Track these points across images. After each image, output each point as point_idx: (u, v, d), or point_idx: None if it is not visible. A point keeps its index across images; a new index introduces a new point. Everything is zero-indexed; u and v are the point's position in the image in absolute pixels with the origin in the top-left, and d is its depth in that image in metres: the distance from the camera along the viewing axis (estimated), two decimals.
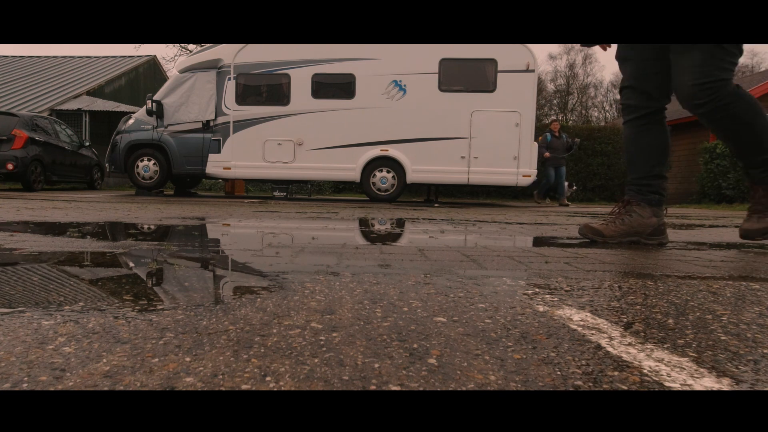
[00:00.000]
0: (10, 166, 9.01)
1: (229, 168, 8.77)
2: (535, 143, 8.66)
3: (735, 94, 2.14)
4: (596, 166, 13.37)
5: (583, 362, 0.75)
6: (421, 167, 8.56)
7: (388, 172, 8.71)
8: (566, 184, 10.79)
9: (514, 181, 8.48)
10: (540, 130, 10.80)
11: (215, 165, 8.79)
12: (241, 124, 8.77)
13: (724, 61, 2.10)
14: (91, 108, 16.01)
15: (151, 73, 22.29)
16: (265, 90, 8.95)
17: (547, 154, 10.12)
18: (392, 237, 2.54)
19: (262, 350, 0.75)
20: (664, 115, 2.43)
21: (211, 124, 8.82)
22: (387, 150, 8.62)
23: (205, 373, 0.66)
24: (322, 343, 0.80)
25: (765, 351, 0.82)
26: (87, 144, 12.27)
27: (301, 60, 8.68)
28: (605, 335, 0.89)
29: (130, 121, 9.08)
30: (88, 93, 17.57)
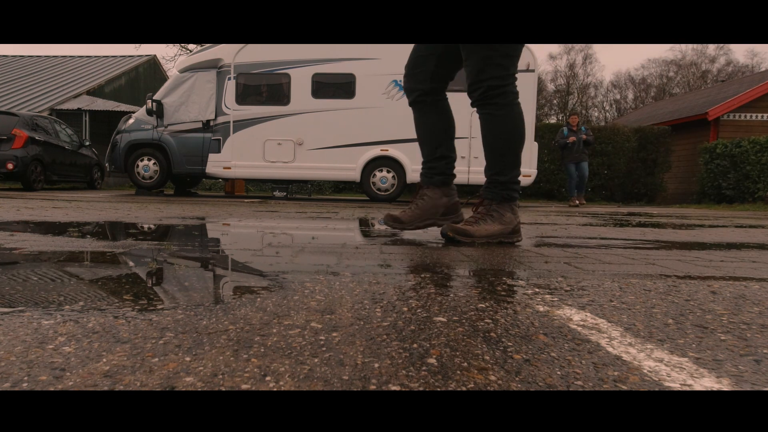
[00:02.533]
0: (10, 166, 9.01)
1: (229, 168, 8.77)
2: (536, 143, 8.65)
3: (510, 99, 2.22)
4: (596, 166, 13.37)
5: (583, 362, 0.75)
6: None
7: (388, 171, 8.71)
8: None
9: None
10: (540, 130, 10.74)
11: (215, 165, 8.79)
12: (241, 124, 8.77)
13: (498, 65, 2.17)
14: (91, 108, 16.01)
15: (151, 73, 22.29)
16: (265, 90, 8.95)
17: (572, 138, 9.60)
18: (392, 237, 2.54)
19: (262, 350, 0.75)
20: (439, 98, 2.44)
21: (211, 123, 8.82)
22: (387, 150, 8.62)
23: (205, 373, 0.66)
24: (322, 342, 0.80)
25: (765, 351, 0.82)
26: (87, 144, 12.27)
27: (301, 60, 8.68)
28: (605, 335, 0.89)
29: (130, 121, 9.08)
30: (88, 93, 17.57)
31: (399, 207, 6.39)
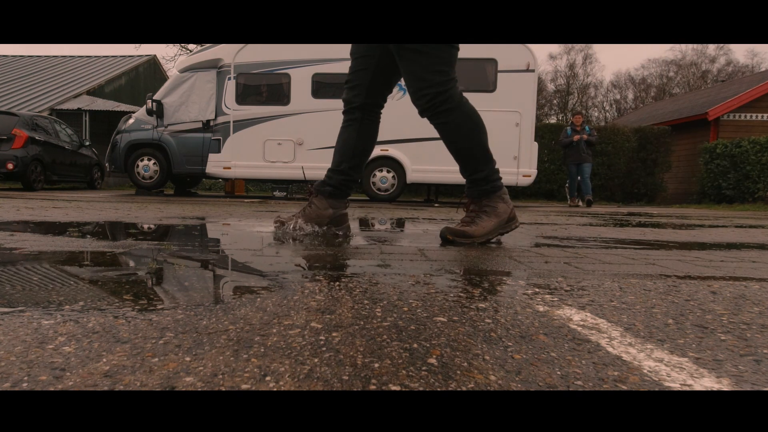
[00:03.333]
0: (10, 166, 9.01)
1: (229, 168, 8.77)
2: (536, 143, 8.66)
3: (456, 103, 2.20)
4: (596, 166, 13.36)
5: (583, 362, 0.75)
6: (421, 167, 8.56)
7: (388, 171, 8.71)
8: (567, 185, 10.46)
9: (514, 181, 8.47)
10: (540, 130, 10.68)
11: (215, 165, 8.79)
12: (241, 124, 8.77)
13: (439, 72, 2.16)
14: (91, 108, 16.01)
15: (151, 73, 22.29)
16: (265, 90, 8.95)
17: (576, 137, 9.44)
18: (392, 237, 2.54)
19: (262, 350, 0.75)
20: (368, 116, 2.45)
21: (211, 123, 8.82)
22: (387, 150, 8.61)
23: (205, 373, 0.66)
24: (321, 342, 0.80)
25: (765, 351, 0.82)
26: (87, 143, 12.27)
27: (301, 60, 8.68)
28: (605, 335, 0.89)
29: (130, 121, 9.08)
30: (88, 93, 17.57)
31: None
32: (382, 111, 2.50)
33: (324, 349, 0.77)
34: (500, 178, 2.33)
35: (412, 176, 8.60)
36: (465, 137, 2.25)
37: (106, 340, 0.78)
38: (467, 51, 8.36)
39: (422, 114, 2.28)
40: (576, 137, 9.52)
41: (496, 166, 2.32)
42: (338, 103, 9.37)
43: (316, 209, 2.47)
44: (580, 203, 9.85)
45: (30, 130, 9.59)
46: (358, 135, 2.45)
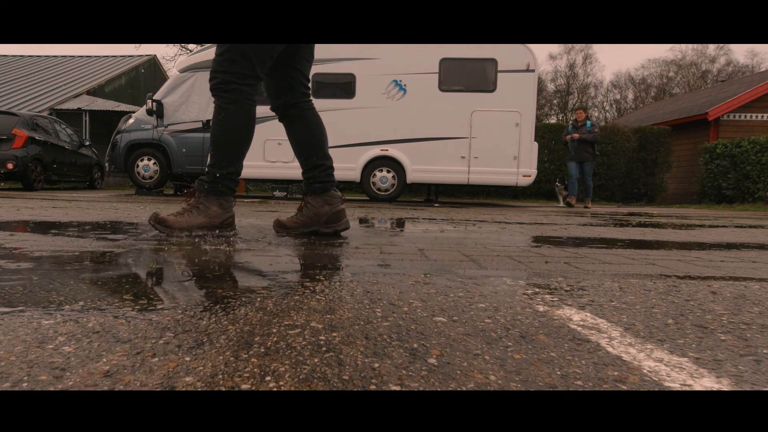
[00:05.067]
0: (10, 166, 9.01)
1: None
2: (536, 143, 8.65)
3: (234, 100, 2.27)
4: (596, 166, 13.36)
5: (583, 362, 0.75)
6: (421, 167, 8.56)
7: (388, 171, 8.71)
8: (558, 182, 10.12)
9: (515, 181, 8.47)
10: (540, 130, 10.61)
11: None
12: None
13: (235, 64, 2.23)
14: (91, 107, 16.01)
15: (151, 73, 22.29)
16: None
17: (568, 136, 9.04)
18: (392, 237, 2.54)
19: (262, 350, 0.75)
20: (301, 109, 2.50)
21: (211, 123, 8.82)
22: (387, 150, 8.61)
23: (205, 373, 0.66)
24: (322, 342, 0.80)
25: (765, 351, 0.82)
26: (87, 143, 12.27)
27: None
28: (605, 335, 0.89)
29: (130, 121, 9.07)
30: (88, 92, 17.57)
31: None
32: (309, 98, 2.53)
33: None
34: (233, 188, 2.33)
35: (412, 176, 8.60)
36: (228, 130, 2.30)
37: (106, 339, 0.78)
38: (467, 51, 8.42)
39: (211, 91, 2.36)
40: (568, 137, 9.16)
41: (237, 176, 2.35)
42: (338, 103, 9.31)
43: (313, 208, 2.46)
44: (587, 205, 9.26)
45: (30, 130, 9.59)
46: (305, 127, 2.48)
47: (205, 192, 2.27)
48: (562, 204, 9.86)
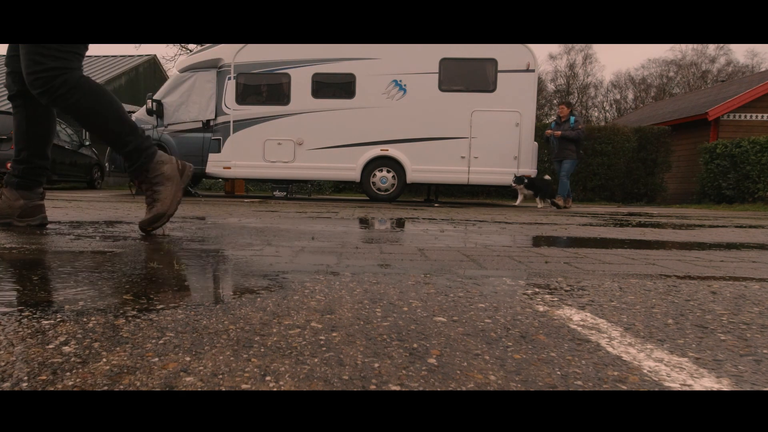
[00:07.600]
0: (9, 166, 9.00)
1: (229, 167, 8.77)
2: (536, 143, 8.65)
3: (73, 85, 2.13)
4: (596, 166, 13.36)
5: (583, 362, 0.75)
6: (421, 167, 8.56)
7: (388, 171, 8.71)
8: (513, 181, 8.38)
9: None
10: (540, 130, 10.54)
11: (215, 164, 8.79)
12: (241, 124, 8.77)
13: (52, 49, 2.08)
14: None
15: (151, 73, 22.29)
16: (265, 89, 8.95)
17: (548, 132, 8.47)
18: (392, 237, 2.54)
19: (262, 350, 0.75)
20: (21, 102, 2.41)
21: (211, 123, 8.83)
22: (387, 150, 8.62)
23: (205, 373, 0.66)
24: (322, 342, 0.80)
25: (765, 351, 0.82)
26: (87, 143, 12.27)
27: (301, 60, 8.69)
28: (605, 335, 0.89)
29: None
30: None
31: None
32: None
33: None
34: (152, 145, 2.27)
35: (412, 176, 8.61)
36: (96, 118, 2.21)
37: (106, 339, 0.78)
38: (467, 51, 8.43)
39: (39, 99, 2.20)
40: (548, 132, 8.54)
41: (143, 132, 2.28)
42: (338, 103, 9.29)
43: (6, 200, 2.41)
44: (567, 204, 8.46)
45: None
46: (28, 121, 2.42)
47: (146, 167, 2.24)
48: (517, 203, 8.79)
